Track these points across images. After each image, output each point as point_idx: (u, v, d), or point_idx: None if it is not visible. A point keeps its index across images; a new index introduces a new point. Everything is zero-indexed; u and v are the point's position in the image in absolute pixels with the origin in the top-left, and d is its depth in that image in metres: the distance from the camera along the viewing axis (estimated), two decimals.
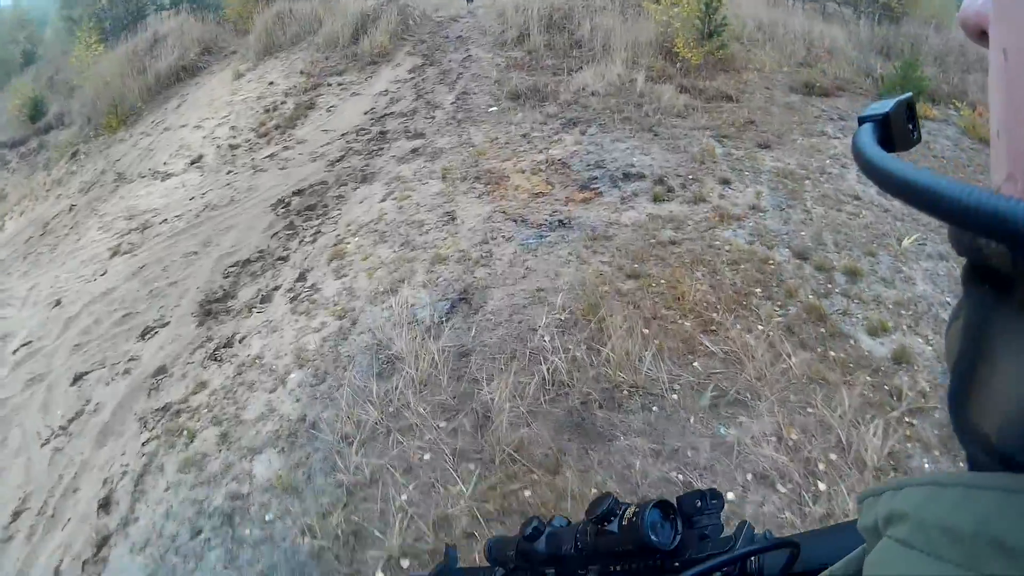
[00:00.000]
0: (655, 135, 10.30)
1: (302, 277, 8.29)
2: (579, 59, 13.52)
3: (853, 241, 7.86)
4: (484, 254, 7.60)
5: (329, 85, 14.52)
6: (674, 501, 0.90)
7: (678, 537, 0.86)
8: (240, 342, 7.52)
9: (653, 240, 7.69)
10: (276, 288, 8.32)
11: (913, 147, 0.46)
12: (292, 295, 7.97)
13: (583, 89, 12.03)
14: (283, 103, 14.44)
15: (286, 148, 12.67)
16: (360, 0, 16.69)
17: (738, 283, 7.00)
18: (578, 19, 14.75)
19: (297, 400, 6.21)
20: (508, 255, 7.53)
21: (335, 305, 7.38)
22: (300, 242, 9.20)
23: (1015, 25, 0.35)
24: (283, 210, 10.33)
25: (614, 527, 0.89)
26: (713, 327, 6.31)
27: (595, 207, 8.49)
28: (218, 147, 13.96)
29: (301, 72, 15.36)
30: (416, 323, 6.60)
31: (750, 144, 10.19)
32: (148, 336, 8.41)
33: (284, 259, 8.94)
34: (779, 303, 6.79)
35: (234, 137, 14.09)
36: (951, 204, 0.32)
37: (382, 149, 11.32)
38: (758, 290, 6.96)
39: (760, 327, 6.35)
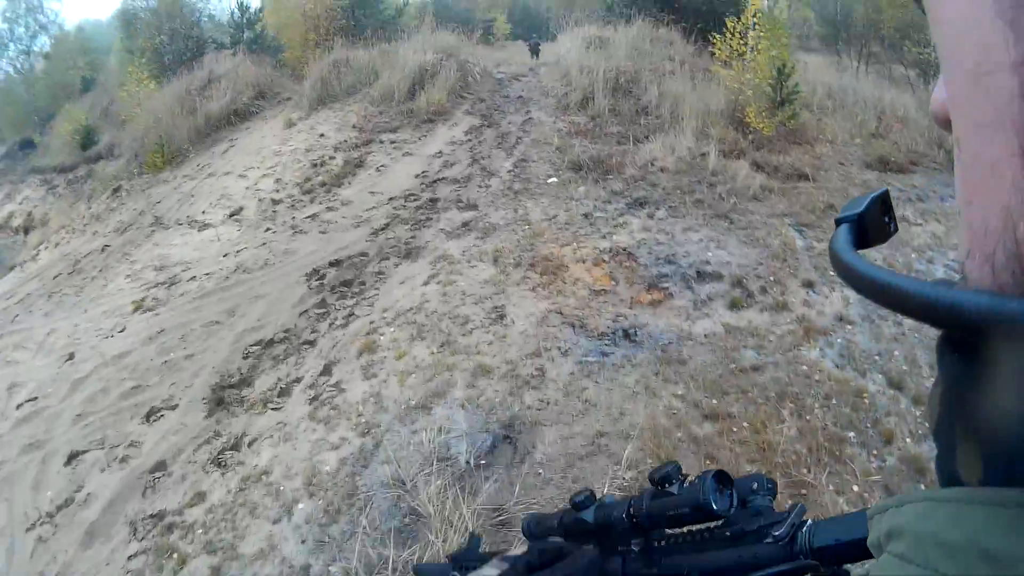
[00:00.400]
0: (731, 223, 9.22)
1: (327, 370, 7.33)
2: (646, 127, 12.53)
3: None
4: (536, 371, 6.55)
5: (381, 142, 13.66)
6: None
7: (733, 509, 0.81)
8: (249, 446, 6.61)
9: (733, 365, 6.61)
10: (297, 380, 7.38)
11: (890, 238, 0.48)
12: (313, 393, 7.01)
13: (651, 163, 11.02)
14: (331, 158, 13.61)
15: (329, 209, 11.80)
16: (419, 53, 15.87)
17: (829, 425, 5.96)
18: (645, 83, 13.77)
19: (302, 541, 5.26)
20: (564, 376, 6.48)
21: (358, 416, 6.39)
22: (331, 325, 8.26)
23: (961, 119, 0.37)
24: (317, 282, 9.41)
25: (674, 489, 0.86)
26: (803, 490, 5.24)
27: (665, 312, 7.42)
28: (260, 200, 13.16)
29: (353, 126, 14.55)
30: (448, 462, 5.55)
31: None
32: (153, 419, 7.60)
33: (311, 344, 8.01)
34: (875, 451, 5.83)
35: (277, 191, 13.28)
36: (913, 300, 0.36)
37: (431, 219, 10.38)
38: (852, 434, 5.94)
39: (855, 487, 5.37)
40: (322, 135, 14.80)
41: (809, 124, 12.77)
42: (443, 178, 11.69)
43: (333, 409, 6.58)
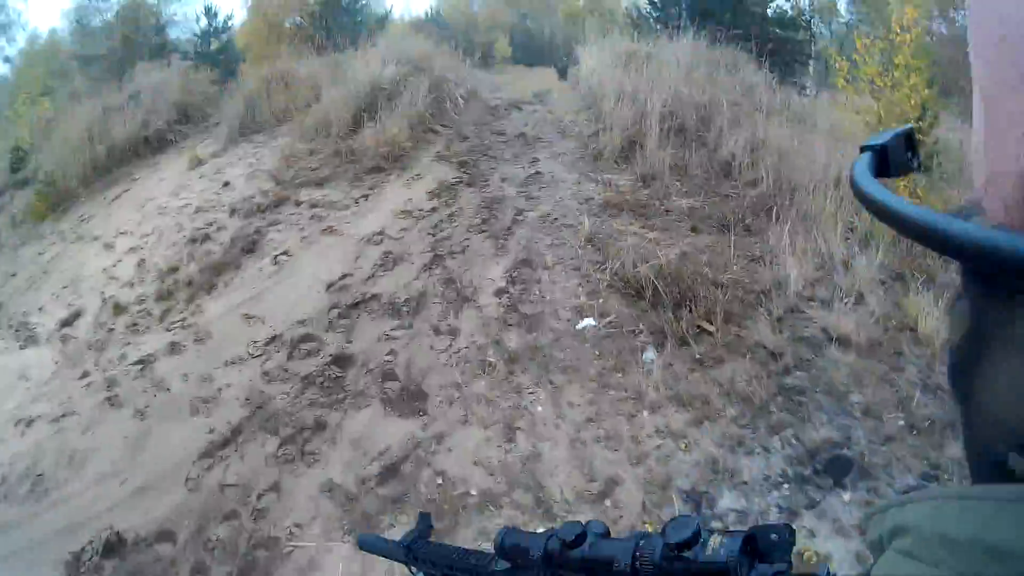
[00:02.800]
0: None
1: None
2: (739, 202, 6.03)
3: None
4: None
5: (298, 204, 7.14)
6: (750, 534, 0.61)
7: (753, 573, 0.59)
8: None
9: None
10: None
11: (912, 172, 0.42)
12: None
13: (799, 311, 4.45)
14: (221, 229, 7.15)
15: (173, 348, 5.49)
16: (373, 65, 9.13)
17: None
18: (722, 124, 7.08)
19: None
20: None
21: None
22: None
23: (985, 71, 0.33)
24: None
25: (694, 554, 0.60)
26: None
27: None
28: (103, 302, 6.87)
29: (269, 173, 7.96)
30: None
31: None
32: None
33: None
34: None
35: (132, 286, 6.94)
36: (931, 233, 0.29)
37: (323, 430, 4.01)
38: None
39: None
40: (226, 184, 8.27)
41: (952, 199, 6.23)
42: (373, 296, 5.16)
43: None
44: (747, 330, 4.21)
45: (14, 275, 9.03)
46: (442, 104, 8.66)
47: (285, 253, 6.20)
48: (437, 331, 4.57)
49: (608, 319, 4.44)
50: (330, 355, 4.56)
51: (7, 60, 22.11)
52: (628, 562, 0.63)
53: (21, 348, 6.95)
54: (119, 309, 6.49)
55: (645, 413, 3.63)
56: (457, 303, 4.81)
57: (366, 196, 6.89)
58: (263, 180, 7.89)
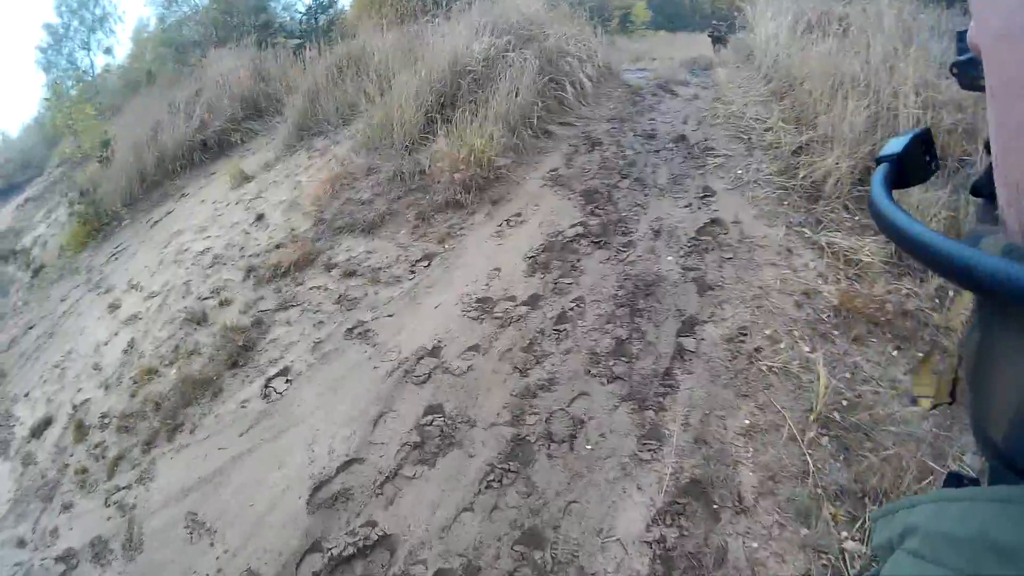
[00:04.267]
0: None
1: None
2: None
3: None
4: None
5: (329, 269, 4.51)
6: None
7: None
8: None
9: None
10: None
11: (932, 176, 0.40)
12: None
13: None
14: (223, 305, 4.70)
15: (99, 551, 3.23)
16: (465, 35, 6.28)
17: None
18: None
19: None
20: None
21: None
22: None
23: (993, 73, 0.32)
24: None
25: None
26: None
27: None
28: (73, 411, 4.65)
29: (313, 202, 5.41)
30: None
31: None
32: None
33: None
34: None
35: (107, 388, 4.66)
36: (954, 266, 0.28)
37: None
38: None
39: None
40: (260, 217, 5.82)
41: None
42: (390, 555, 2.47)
43: None
44: None
45: (32, 327, 7.12)
46: (560, 90, 5.76)
47: (283, 375, 3.62)
48: None
49: None
50: None
51: (108, 51, 21.27)
52: None
53: None
54: (80, 433, 4.22)
55: None
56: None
57: (428, 260, 4.18)
58: (300, 216, 5.37)
